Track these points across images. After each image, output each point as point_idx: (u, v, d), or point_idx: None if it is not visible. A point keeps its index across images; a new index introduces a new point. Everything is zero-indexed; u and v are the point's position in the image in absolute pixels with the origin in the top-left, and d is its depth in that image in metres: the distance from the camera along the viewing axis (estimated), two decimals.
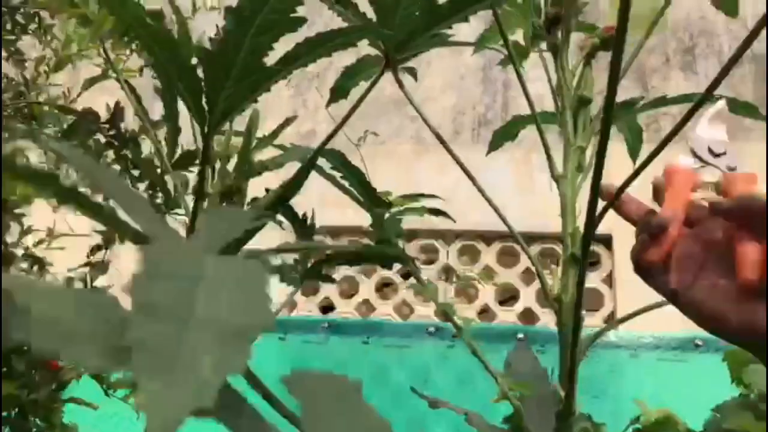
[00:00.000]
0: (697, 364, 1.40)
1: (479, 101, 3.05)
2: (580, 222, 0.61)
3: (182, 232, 0.75)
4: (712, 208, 0.47)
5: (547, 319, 2.67)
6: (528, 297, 2.73)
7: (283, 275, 0.83)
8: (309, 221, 0.83)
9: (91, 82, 0.80)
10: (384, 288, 2.89)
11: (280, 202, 0.65)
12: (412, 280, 2.78)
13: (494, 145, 0.86)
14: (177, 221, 0.78)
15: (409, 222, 1.02)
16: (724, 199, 0.47)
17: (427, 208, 0.75)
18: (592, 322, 2.68)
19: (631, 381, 1.47)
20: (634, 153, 0.83)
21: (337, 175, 0.73)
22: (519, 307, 2.74)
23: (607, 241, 2.73)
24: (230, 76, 0.47)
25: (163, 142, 0.80)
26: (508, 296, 2.86)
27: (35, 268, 0.87)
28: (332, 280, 0.86)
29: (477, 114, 3.07)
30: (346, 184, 0.73)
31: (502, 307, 2.78)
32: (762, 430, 0.84)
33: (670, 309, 0.64)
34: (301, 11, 0.45)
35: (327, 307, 2.91)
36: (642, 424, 1.04)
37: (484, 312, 2.80)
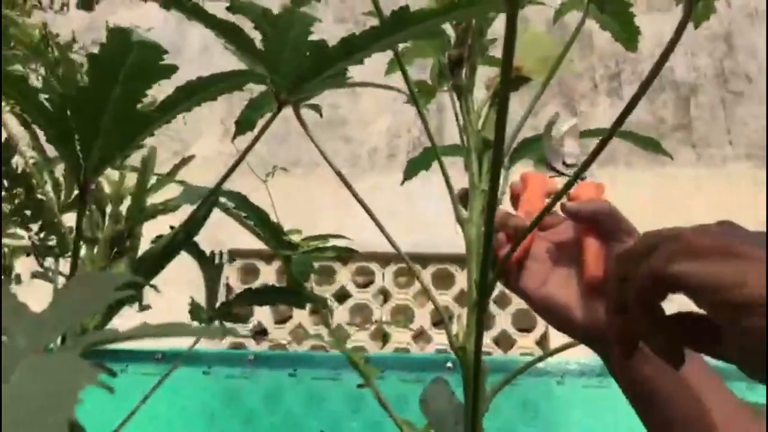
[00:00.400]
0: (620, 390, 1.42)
1: (414, 124, 3.07)
2: None
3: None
4: (564, 208, 0.50)
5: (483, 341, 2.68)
6: (463, 318, 2.74)
7: (194, 315, 0.80)
8: (217, 260, 0.80)
9: None
10: (318, 312, 2.85)
11: (184, 240, 0.62)
12: (348, 303, 2.74)
13: (410, 173, 0.84)
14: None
15: (344, 243, 1.00)
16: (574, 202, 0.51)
17: (331, 247, 0.73)
18: (524, 343, 2.71)
19: (560, 407, 1.48)
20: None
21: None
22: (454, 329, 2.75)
23: None
24: (101, 124, 0.44)
25: (62, 180, 0.76)
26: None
27: None
28: (245, 320, 0.83)
29: (412, 137, 3.08)
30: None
31: (437, 329, 2.78)
32: None
33: None
34: None
35: (260, 332, 2.85)
36: None
37: (420, 335, 2.79)
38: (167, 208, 0.59)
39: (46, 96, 0.44)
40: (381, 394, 0.65)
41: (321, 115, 0.71)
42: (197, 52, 3.36)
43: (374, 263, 2.87)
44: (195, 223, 0.62)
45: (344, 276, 2.87)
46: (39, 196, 0.72)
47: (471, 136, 0.63)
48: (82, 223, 0.51)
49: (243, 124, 0.72)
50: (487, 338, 2.71)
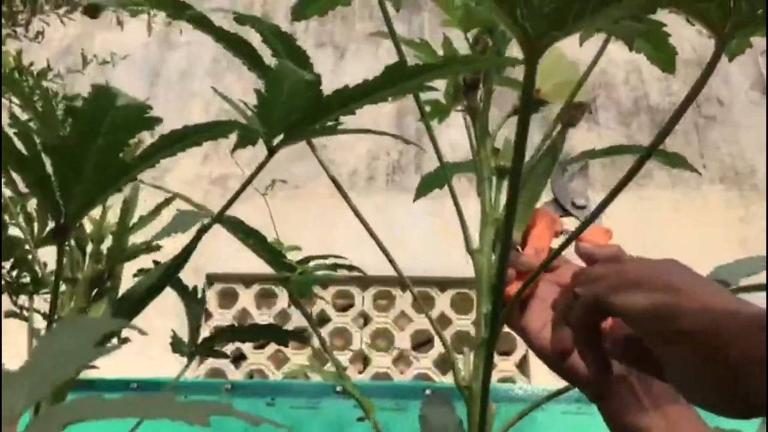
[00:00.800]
0: (599, 415, 1.42)
1: (393, 147, 3.09)
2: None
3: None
4: (578, 248, 0.50)
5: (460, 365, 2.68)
6: (469, 355, 2.74)
7: (175, 349, 0.79)
8: (200, 294, 0.79)
9: None
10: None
11: (168, 275, 0.62)
12: (327, 327, 2.71)
13: (423, 190, 0.81)
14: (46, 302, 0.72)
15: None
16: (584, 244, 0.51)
17: (339, 265, 0.73)
18: (504, 366, 2.71)
19: None
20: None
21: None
22: (435, 352, 2.74)
23: None
24: (83, 172, 0.44)
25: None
26: (425, 340, 2.85)
27: None
28: (225, 356, 0.83)
29: (391, 160, 3.10)
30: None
31: (416, 352, 2.77)
32: None
33: None
34: None
35: (240, 356, 2.82)
36: None
37: (400, 358, 2.78)
38: (150, 248, 0.59)
39: (15, 131, 0.44)
40: (379, 425, 0.64)
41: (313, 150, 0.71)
42: (177, 76, 3.35)
43: (355, 286, 2.86)
44: (185, 255, 0.61)
45: (324, 299, 2.86)
46: (11, 232, 0.71)
47: (484, 164, 0.61)
48: (62, 262, 0.51)
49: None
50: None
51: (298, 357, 2.70)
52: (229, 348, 2.79)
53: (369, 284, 2.87)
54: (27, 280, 0.69)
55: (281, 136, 0.51)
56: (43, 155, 0.45)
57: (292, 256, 0.79)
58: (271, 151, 0.56)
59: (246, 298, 2.90)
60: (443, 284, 2.83)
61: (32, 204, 0.76)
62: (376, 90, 0.43)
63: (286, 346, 0.73)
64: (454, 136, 3.32)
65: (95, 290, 0.61)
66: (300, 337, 0.72)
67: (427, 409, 0.72)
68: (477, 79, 0.65)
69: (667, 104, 3.14)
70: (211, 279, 2.87)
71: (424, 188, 0.80)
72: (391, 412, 1.42)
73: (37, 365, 0.34)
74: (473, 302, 2.91)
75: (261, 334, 0.71)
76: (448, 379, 2.51)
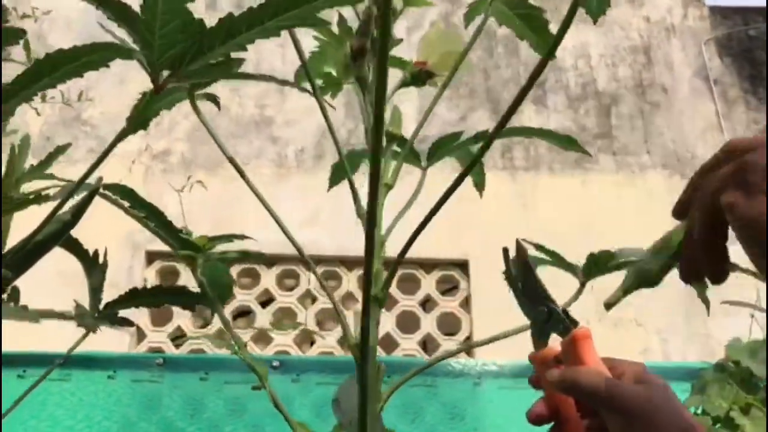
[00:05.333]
0: (539, 392, 1.43)
1: (342, 125, 3.04)
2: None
3: None
4: (552, 379, 0.45)
5: (449, 346, 2.67)
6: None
7: (79, 319, 0.74)
8: (102, 259, 0.74)
9: None
10: (239, 317, 2.78)
11: (59, 234, 0.57)
12: (270, 308, 2.68)
13: (335, 179, 0.81)
14: None
15: (270, 246, 0.96)
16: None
17: (241, 252, 0.69)
18: (449, 346, 2.72)
19: (475, 410, 1.48)
20: (480, 188, 0.81)
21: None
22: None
23: (463, 266, 2.79)
24: None
25: None
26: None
27: None
28: (130, 324, 0.78)
29: (340, 137, 3.05)
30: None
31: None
32: None
33: (522, 336, 0.63)
34: None
35: (180, 336, 2.75)
36: None
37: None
38: (38, 197, 0.54)
39: None
40: (275, 394, 0.62)
41: (219, 108, 0.67)
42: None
43: (300, 266, 2.82)
44: (71, 218, 0.57)
45: (269, 279, 2.81)
46: None
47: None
48: None
49: (137, 119, 0.67)
50: (414, 342, 2.70)
51: (242, 336, 2.65)
52: (171, 327, 2.72)
53: (273, 263, 2.83)
54: None
55: (166, 73, 0.47)
56: None
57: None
58: (158, 88, 0.52)
59: (188, 275, 2.83)
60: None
61: None
62: (262, 17, 0.39)
63: (193, 311, 0.70)
64: (405, 110, 3.30)
65: None
66: (203, 300, 0.69)
67: (341, 392, 0.70)
68: (363, 46, 0.63)
69: (614, 89, 3.18)
70: (152, 256, 2.79)
71: (335, 178, 0.79)
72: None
73: None
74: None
75: (165, 298, 0.67)
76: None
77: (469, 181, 0.67)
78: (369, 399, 0.50)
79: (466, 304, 2.77)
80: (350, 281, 2.81)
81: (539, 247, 0.70)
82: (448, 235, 2.43)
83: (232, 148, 3.09)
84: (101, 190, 0.58)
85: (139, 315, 2.80)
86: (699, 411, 1.11)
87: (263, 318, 2.74)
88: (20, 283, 0.58)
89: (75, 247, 0.67)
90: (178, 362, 1.48)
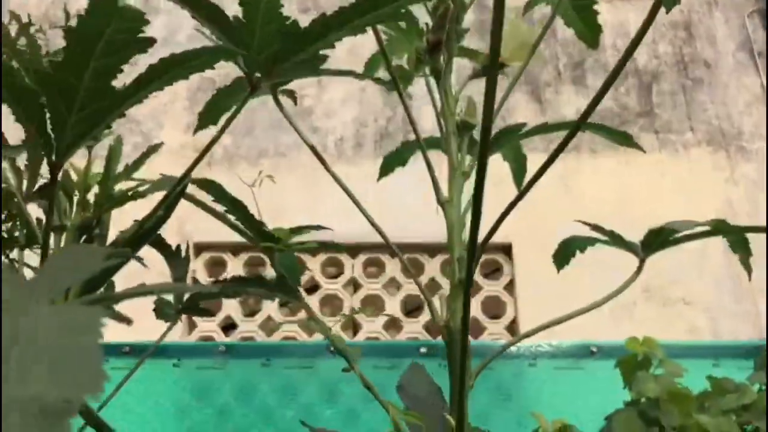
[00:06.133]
0: (593, 371, 1.44)
1: (381, 114, 3.06)
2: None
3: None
4: None
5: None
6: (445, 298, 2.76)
7: (158, 312, 0.78)
8: (184, 254, 0.78)
9: None
10: (288, 304, 2.83)
11: (152, 229, 0.61)
12: (318, 294, 2.72)
13: (385, 170, 0.84)
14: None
15: (313, 235, 0.99)
16: None
17: (320, 243, 0.72)
18: (494, 329, 2.73)
19: (531, 390, 1.50)
20: (518, 180, 0.84)
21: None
22: (424, 318, 2.76)
23: (506, 249, 2.80)
24: (75, 102, 0.42)
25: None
26: (414, 307, 2.87)
27: None
28: (210, 314, 0.81)
29: (379, 127, 3.07)
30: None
31: (408, 318, 2.79)
32: None
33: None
34: None
35: (229, 326, 2.82)
36: None
37: (391, 324, 2.79)
38: (136, 194, 0.58)
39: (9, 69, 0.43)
40: (365, 376, 0.65)
41: (296, 103, 0.70)
42: (160, 42, 3.26)
43: (343, 254, 2.86)
44: (161, 216, 0.60)
45: (314, 267, 2.86)
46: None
47: (449, 120, 0.63)
48: (53, 209, 0.49)
49: (208, 115, 0.70)
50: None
51: (288, 325, 2.70)
52: (220, 317, 2.79)
53: (359, 252, 2.86)
54: (17, 234, 0.68)
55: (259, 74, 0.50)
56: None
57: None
58: (254, 87, 0.55)
59: (235, 266, 2.89)
60: (432, 250, 2.83)
61: (22, 159, 0.74)
62: (353, 16, 0.42)
63: (273, 300, 0.73)
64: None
65: (83, 238, 0.60)
66: (286, 288, 0.71)
67: (405, 379, 0.73)
68: (439, 40, 0.66)
69: (654, 67, 3.13)
70: (199, 248, 2.86)
71: (387, 167, 0.81)
72: (387, 371, 1.43)
73: (48, 274, 0.33)
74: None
75: (248, 288, 0.70)
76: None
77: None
78: (460, 377, 0.52)
79: (510, 287, 2.78)
80: (395, 267, 2.84)
81: (596, 227, 0.71)
82: (491, 219, 2.43)
83: (273, 139, 3.15)
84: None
85: None
86: (763, 387, 1.11)
87: (352, 305, 2.79)
88: None
89: (159, 242, 0.71)
90: (240, 349, 1.53)
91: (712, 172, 2.83)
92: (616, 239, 0.65)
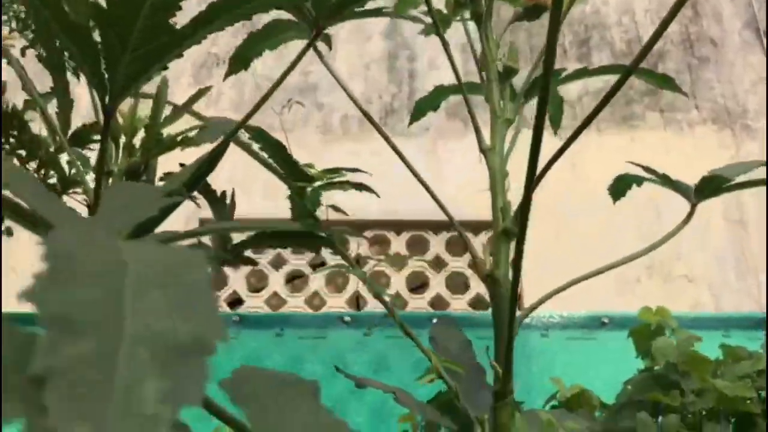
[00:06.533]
0: (604, 341, 1.45)
1: (385, 90, 3.05)
2: (510, 195, 0.60)
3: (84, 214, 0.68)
4: None
5: (458, 305, 2.71)
6: (438, 284, 2.76)
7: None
8: (229, 200, 0.78)
9: None
10: (294, 280, 2.84)
11: (196, 178, 0.61)
12: (323, 271, 2.72)
13: (417, 114, 0.82)
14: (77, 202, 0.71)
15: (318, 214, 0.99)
16: None
17: (351, 183, 0.72)
18: (457, 305, 2.75)
19: (543, 360, 1.51)
20: (555, 123, 0.83)
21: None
22: (429, 294, 2.77)
23: None
24: (131, 39, 0.42)
25: (54, 117, 0.73)
26: (419, 284, 2.88)
27: None
28: (254, 263, 0.82)
29: (384, 103, 3.06)
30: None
31: (413, 294, 2.80)
32: (670, 398, 0.87)
33: (576, 289, 0.65)
34: None
35: (235, 301, 2.83)
36: (558, 400, 1.06)
37: (396, 300, 2.80)
38: (185, 139, 0.57)
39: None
40: (405, 325, 0.64)
41: (330, 47, 0.70)
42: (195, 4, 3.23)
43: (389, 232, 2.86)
44: (212, 159, 0.60)
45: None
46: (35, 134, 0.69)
47: (490, 66, 0.62)
48: (105, 153, 0.49)
49: (239, 60, 0.69)
50: (464, 302, 2.74)
51: (295, 299, 2.71)
52: (226, 293, 2.79)
53: (364, 228, 2.87)
54: (53, 181, 0.68)
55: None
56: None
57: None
58: (319, 31, 0.55)
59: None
60: (438, 227, 2.84)
61: (52, 105, 0.74)
62: None
63: (317, 251, 0.73)
64: (446, 79, 3.29)
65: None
66: (329, 242, 0.72)
67: (436, 331, 0.73)
68: None
69: (660, 45, 3.12)
70: (205, 224, 2.85)
71: (419, 110, 0.81)
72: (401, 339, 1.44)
73: (106, 213, 0.33)
74: (465, 244, 2.93)
75: (294, 239, 0.70)
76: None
77: (519, 138, 0.68)
78: (509, 325, 0.52)
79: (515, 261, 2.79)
80: (399, 244, 2.85)
81: (647, 169, 0.71)
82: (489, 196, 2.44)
83: (278, 115, 3.08)
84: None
85: None
86: None
87: (398, 281, 2.78)
88: None
89: (206, 189, 0.70)
90: (254, 319, 1.54)
91: (717, 150, 2.83)
92: (666, 180, 0.65)
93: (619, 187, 0.66)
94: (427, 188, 0.67)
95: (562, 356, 1.46)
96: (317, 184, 0.67)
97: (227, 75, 0.69)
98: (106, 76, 0.45)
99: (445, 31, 0.68)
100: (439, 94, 0.74)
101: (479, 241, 2.82)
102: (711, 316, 1.78)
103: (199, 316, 0.17)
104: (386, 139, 0.72)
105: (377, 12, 0.52)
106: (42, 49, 0.66)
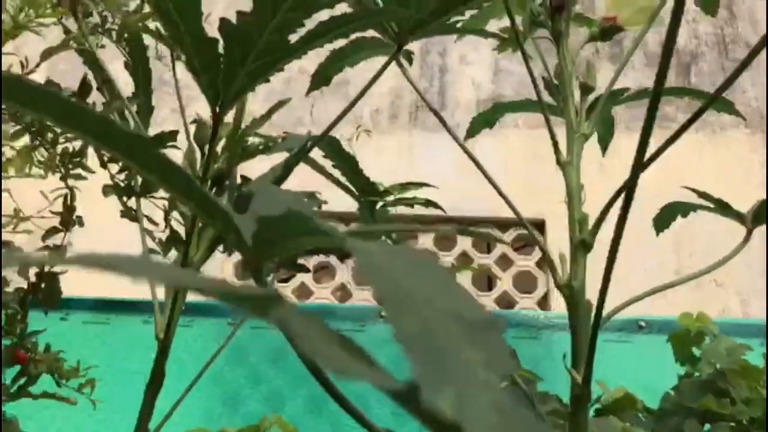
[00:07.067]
0: (641, 345, 1.46)
1: (417, 86, 3.06)
2: (586, 208, 0.61)
3: (161, 216, 0.70)
4: None
5: (526, 304, 2.72)
6: (505, 282, 2.78)
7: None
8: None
9: (50, 52, 0.74)
10: (320, 271, 2.87)
11: (279, 183, 0.63)
12: (350, 263, 2.73)
13: (473, 130, 0.85)
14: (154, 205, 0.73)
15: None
16: None
17: (420, 200, 0.74)
18: (525, 304, 2.76)
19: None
20: (604, 144, 0.85)
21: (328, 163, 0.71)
22: (496, 292, 2.78)
23: (540, 226, 2.81)
24: (251, 54, 0.44)
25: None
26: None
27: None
28: (306, 270, 0.84)
29: (414, 98, 3.07)
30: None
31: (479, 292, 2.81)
32: (721, 406, 0.88)
33: (613, 292, 0.66)
34: None
35: None
36: (602, 403, 1.07)
37: None
38: (267, 147, 0.59)
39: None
40: None
41: (411, 63, 0.71)
42: (221, 14, 3.25)
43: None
44: (283, 171, 0.62)
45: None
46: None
47: (567, 83, 0.64)
48: (211, 157, 0.51)
49: (322, 76, 0.71)
50: (490, 299, 2.75)
51: (322, 290, 2.74)
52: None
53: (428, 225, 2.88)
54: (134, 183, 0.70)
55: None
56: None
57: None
58: (401, 45, 0.56)
59: None
60: (467, 223, 2.85)
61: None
62: None
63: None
64: (478, 75, 3.28)
65: (214, 189, 0.62)
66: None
67: None
68: (563, 2, 0.67)
69: (694, 47, 3.10)
70: None
71: (476, 127, 0.82)
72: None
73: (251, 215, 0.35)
74: (491, 242, 2.94)
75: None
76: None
77: (546, 141, 0.70)
78: (591, 336, 0.54)
79: (541, 262, 2.80)
80: (466, 241, 2.86)
81: (703, 195, 0.72)
82: (525, 195, 2.45)
83: (308, 110, 3.14)
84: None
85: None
86: None
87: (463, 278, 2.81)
88: None
89: None
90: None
91: (749, 155, 2.82)
92: (723, 207, 0.66)
93: (666, 217, 0.67)
94: (495, 186, 0.69)
95: (599, 359, 1.47)
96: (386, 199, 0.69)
97: (309, 90, 0.70)
98: (221, 86, 0.47)
99: (517, 49, 0.70)
100: (496, 110, 0.76)
101: (507, 238, 2.83)
102: (750, 322, 1.78)
103: (468, 302, 0.19)
104: (455, 139, 0.73)
105: (454, 28, 0.54)
106: (130, 56, 0.68)
